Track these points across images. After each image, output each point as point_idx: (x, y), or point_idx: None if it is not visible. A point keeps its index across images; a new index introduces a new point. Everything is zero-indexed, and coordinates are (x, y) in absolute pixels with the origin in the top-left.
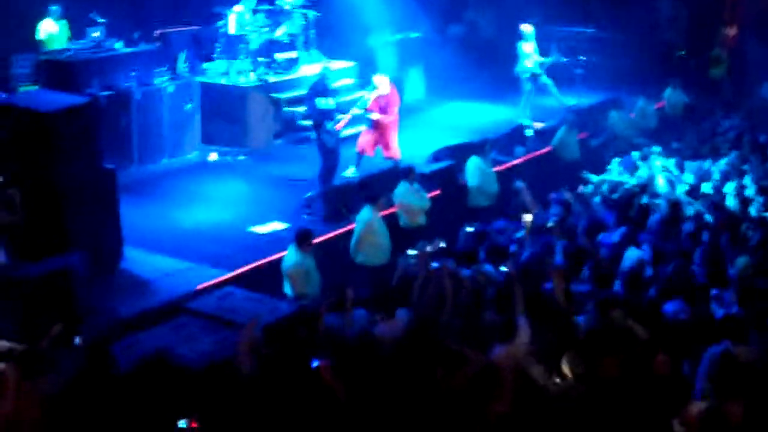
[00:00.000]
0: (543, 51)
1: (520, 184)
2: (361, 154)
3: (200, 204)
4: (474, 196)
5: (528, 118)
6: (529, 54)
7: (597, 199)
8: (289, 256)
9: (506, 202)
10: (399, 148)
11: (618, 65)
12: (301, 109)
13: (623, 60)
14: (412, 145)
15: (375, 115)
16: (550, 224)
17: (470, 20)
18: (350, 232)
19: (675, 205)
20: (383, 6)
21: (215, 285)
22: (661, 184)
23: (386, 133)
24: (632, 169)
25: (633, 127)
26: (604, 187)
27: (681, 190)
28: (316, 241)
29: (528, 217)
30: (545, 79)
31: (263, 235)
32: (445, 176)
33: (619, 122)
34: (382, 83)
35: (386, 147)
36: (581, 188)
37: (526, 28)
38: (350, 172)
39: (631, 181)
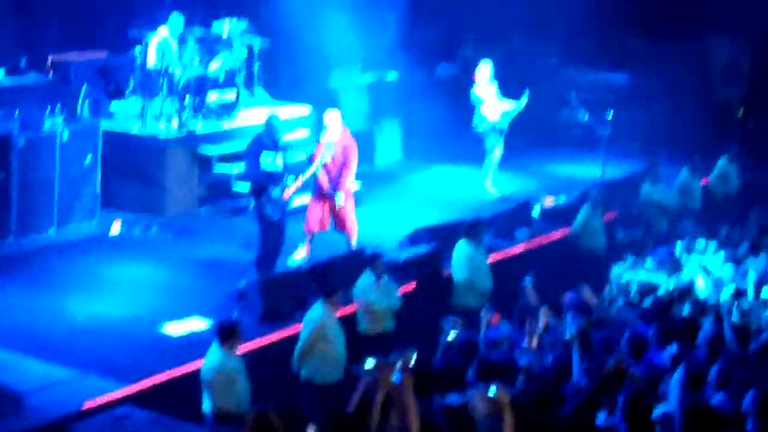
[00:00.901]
0: (559, 101)
1: (526, 281)
2: (311, 233)
3: (96, 292)
4: (461, 293)
5: (492, 186)
6: (485, 100)
7: (620, 302)
8: (210, 357)
9: (504, 302)
10: (357, 223)
11: (656, 125)
12: (238, 168)
13: (663, 118)
14: (381, 223)
15: (323, 179)
16: (567, 336)
17: (465, 59)
18: (295, 337)
19: (719, 318)
20: (351, 36)
21: (109, 403)
22: (701, 287)
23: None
24: (671, 264)
25: (672, 207)
26: (633, 288)
27: (727, 294)
28: (250, 347)
29: (536, 325)
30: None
31: (178, 336)
32: (423, 266)
33: (655, 201)
34: (332, 122)
35: (340, 219)
36: (608, 288)
37: (484, 69)
38: (299, 256)
39: (666, 282)
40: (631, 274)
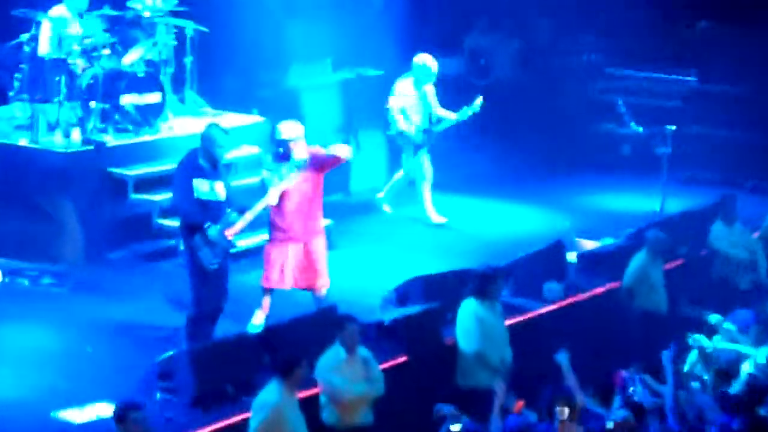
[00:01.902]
0: (600, 110)
1: (560, 354)
2: (270, 288)
3: None
4: (469, 368)
5: (386, 204)
6: (406, 108)
7: (695, 384)
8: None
9: (527, 382)
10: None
11: (734, 142)
12: (163, 197)
13: (744, 133)
14: (359, 272)
15: (289, 216)
16: (609, 425)
17: (474, 50)
18: (239, 430)
19: None
20: (318, 22)
21: None
22: None
23: (308, 239)
24: (759, 331)
25: (754, 254)
26: (709, 364)
27: None
28: None
29: (566, 411)
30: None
31: (79, 425)
32: (416, 331)
33: (729, 245)
34: (295, 137)
35: (308, 269)
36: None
37: (421, 60)
38: (257, 320)
39: (756, 354)
40: (705, 344)
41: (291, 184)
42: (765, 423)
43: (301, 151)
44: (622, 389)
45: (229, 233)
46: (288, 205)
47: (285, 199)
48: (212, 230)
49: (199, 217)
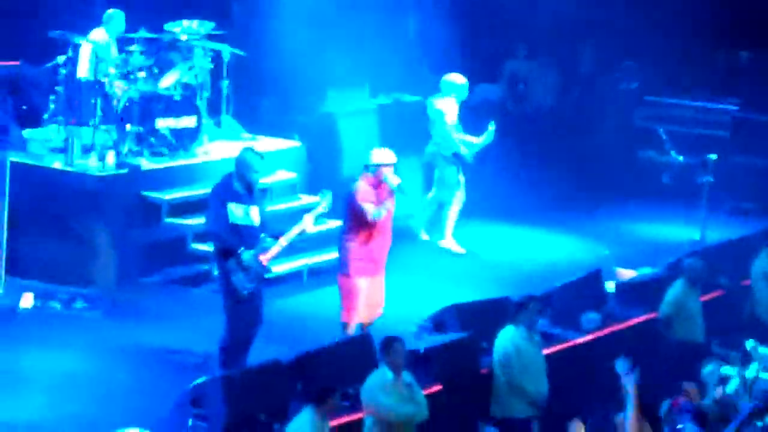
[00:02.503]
0: (641, 138)
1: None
2: (348, 324)
3: None
4: (505, 397)
5: (424, 231)
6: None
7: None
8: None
9: (565, 413)
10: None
11: None
12: (197, 221)
13: None
14: (394, 299)
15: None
16: None
17: (513, 77)
18: None
19: None
20: (357, 48)
21: None
22: None
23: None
24: None
25: None
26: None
27: None
28: None
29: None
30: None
31: None
32: (451, 359)
33: None
34: (385, 159)
35: (377, 301)
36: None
37: (456, 78)
38: None
39: None
40: (747, 373)
41: (384, 212)
42: None
43: (394, 178)
44: (671, 419)
45: (264, 258)
46: (379, 235)
47: (378, 230)
48: (246, 255)
49: (233, 241)
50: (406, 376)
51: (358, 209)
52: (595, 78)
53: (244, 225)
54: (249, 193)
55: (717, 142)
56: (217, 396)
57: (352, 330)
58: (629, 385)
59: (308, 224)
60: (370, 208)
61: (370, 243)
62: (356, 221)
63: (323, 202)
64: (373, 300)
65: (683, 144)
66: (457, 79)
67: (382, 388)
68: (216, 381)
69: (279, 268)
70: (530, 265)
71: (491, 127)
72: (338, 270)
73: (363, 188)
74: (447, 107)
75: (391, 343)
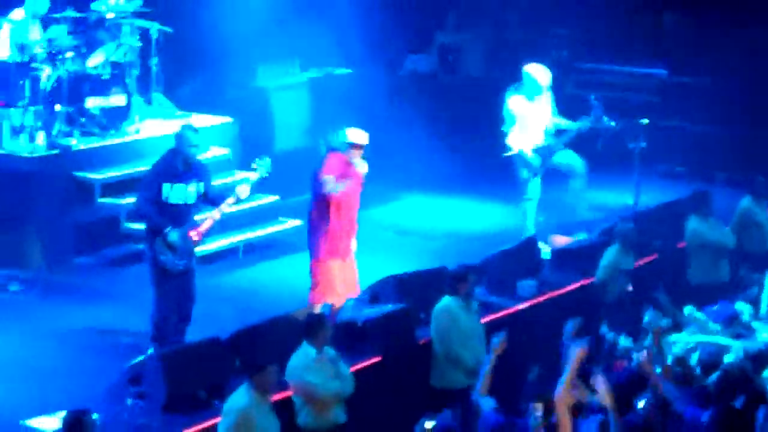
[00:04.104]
0: (574, 106)
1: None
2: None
3: None
4: (444, 367)
5: (531, 227)
6: (522, 117)
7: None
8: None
9: (504, 381)
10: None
11: (707, 135)
12: (130, 201)
13: (717, 126)
14: None
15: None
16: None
17: (445, 47)
18: None
19: None
20: (285, 19)
21: None
22: None
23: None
24: (735, 325)
25: (730, 247)
26: (694, 358)
27: None
28: None
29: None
30: (564, 158)
31: None
32: (389, 332)
33: (707, 239)
34: (359, 140)
35: (352, 281)
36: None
37: (534, 70)
38: None
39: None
40: (683, 338)
41: (341, 191)
42: (738, 415)
43: (362, 163)
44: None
45: (197, 233)
46: (346, 217)
47: (344, 211)
48: (173, 234)
49: (159, 221)
50: (330, 351)
51: (319, 183)
52: (524, 46)
53: (174, 203)
54: (188, 170)
55: (648, 107)
56: (156, 374)
57: (318, 310)
58: (572, 349)
59: (243, 192)
60: (329, 180)
61: (338, 225)
62: (322, 200)
63: (258, 168)
64: (347, 282)
65: (615, 110)
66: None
67: (306, 366)
68: (154, 359)
69: (215, 245)
70: (465, 234)
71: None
72: (310, 254)
73: (329, 163)
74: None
75: (316, 322)
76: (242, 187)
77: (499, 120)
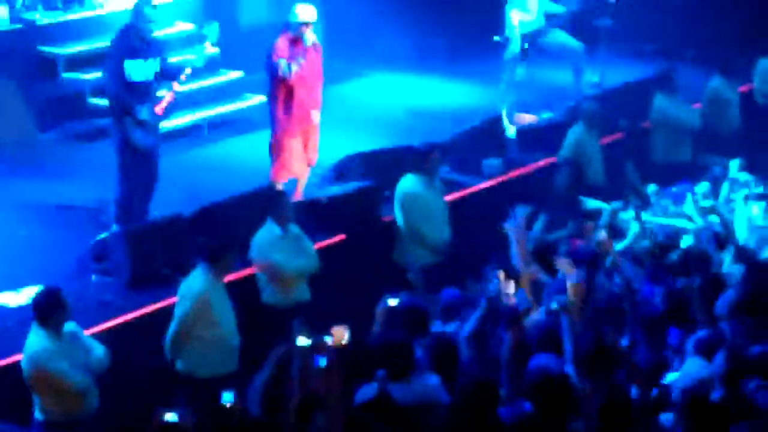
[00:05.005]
0: None
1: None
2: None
3: None
4: (408, 244)
5: (507, 109)
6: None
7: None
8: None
9: (470, 258)
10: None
11: (674, 13)
12: (95, 76)
13: (684, 3)
14: None
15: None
16: (553, 306)
17: None
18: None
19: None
20: None
21: None
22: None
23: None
24: (697, 205)
25: (695, 127)
26: (645, 243)
27: None
28: (112, 323)
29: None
30: (556, 37)
31: (12, 309)
32: (354, 209)
33: (671, 118)
34: (308, 16)
35: (312, 148)
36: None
37: None
38: None
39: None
40: (645, 217)
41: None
42: (682, 295)
43: (312, 35)
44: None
45: (159, 108)
46: (302, 92)
47: (302, 89)
48: (143, 112)
49: (129, 99)
50: (294, 229)
51: (273, 66)
52: None
53: (139, 81)
54: (147, 46)
55: None
56: (120, 251)
57: (280, 187)
58: (511, 231)
59: (196, 60)
60: (282, 63)
61: (294, 101)
62: (277, 82)
63: (207, 34)
64: (302, 157)
65: None
66: None
67: (270, 243)
68: (118, 236)
69: (179, 121)
70: (430, 112)
71: None
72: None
73: (280, 45)
74: None
75: (279, 198)
76: (193, 56)
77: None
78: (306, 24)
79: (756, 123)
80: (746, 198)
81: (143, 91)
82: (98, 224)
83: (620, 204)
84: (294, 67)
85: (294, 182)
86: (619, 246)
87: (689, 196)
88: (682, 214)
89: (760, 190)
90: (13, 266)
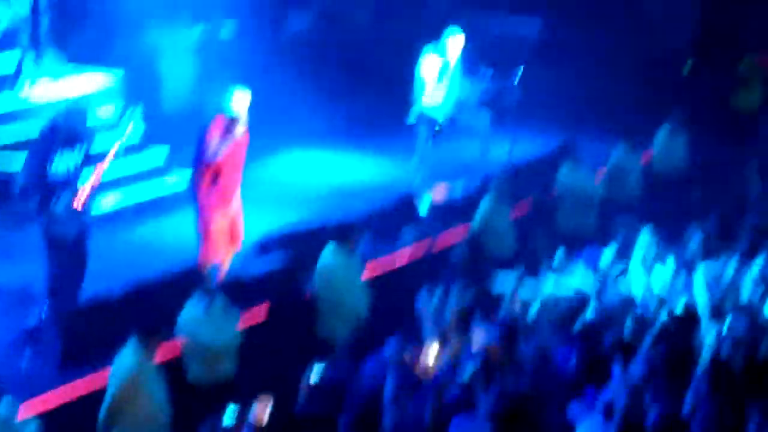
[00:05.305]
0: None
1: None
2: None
3: None
4: (328, 317)
5: (421, 183)
6: (432, 80)
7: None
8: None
9: (387, 329)
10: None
11: (580, 86)
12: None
13: (589, 77)
14: None
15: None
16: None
17: (324, 6)
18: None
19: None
20: None
21: None
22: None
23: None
24: (602, 270)
25: (599, 195)
26: (555, 306)
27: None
28: (44, 404)
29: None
30: (467, 115)
31: None
32: (275, 284)
33: (576, 186)
34: (243, 104)
35: (236, 236)
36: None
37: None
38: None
39: (597, 293)
40: (549, 284)
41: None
42: (602, 359)
43: (244, 121)
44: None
45: (82, 196)
46: (228, 171)
47: (227, 171)
48: (60, 205)
49: (51, 193)
50: (218, 304)
51: (202, 147)
52: (406, 4)
53: (63, 173)
54: (73, 136)
55: (522, 60)
56: (52, 331)
57: (207, 269)
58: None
59: (121, 143)
60: (211, 145)
61: (222, 184)
62: (205, 162)
63: (129, 118)
64: (233, 237)
65: (489, 62)
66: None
67: (196, 319)
68: (50, 317)
69: (106, 203)
70: (348, 187)
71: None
72: (195, 212)
73: (212, 127)
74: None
75: (199, 277)
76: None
77: (383, 74)
78: (237, 109)
79: (656, 189)
80: (645, 261)
81: (64, 183)
82: (24, 307)
83: (529, 270)
84: (222, 149)
85: (219, 261)
86: (532, 311)
87: (596, 259)
88: (589, 278)
89: (661, 253)
90: None
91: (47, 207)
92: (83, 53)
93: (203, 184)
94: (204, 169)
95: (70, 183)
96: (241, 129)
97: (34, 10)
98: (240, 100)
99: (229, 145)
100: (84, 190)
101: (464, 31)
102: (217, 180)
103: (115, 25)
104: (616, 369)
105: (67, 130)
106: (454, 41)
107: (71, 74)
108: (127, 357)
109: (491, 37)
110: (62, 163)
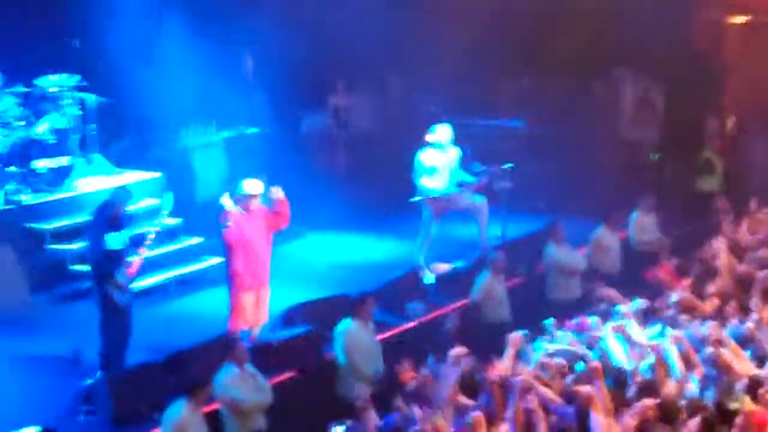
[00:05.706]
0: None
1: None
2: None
3: None
4: (348, 379)
5: (425, 259)
6: (432, 169)
7: None
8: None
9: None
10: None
11: (562, 174)
12: (76, 246)
13: (568, 166)
14: None
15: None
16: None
17: (337, 108)
18: None
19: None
20: (203, 91)
21: None
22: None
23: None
24: (588, 336)
25: (580, 268)
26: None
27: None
28: None
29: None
30: (465, 198)
31: None
32: (300, 350)
33: (561, 262)
34: (253, 189)
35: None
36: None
37: (440, 133)
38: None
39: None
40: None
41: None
42: None
43: (256, 204)
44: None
45: (130, 272)
46: (253, 253)
47: (246, 247)
48: (120, 276)
49: (109, 266)
50: (250, 368)
51: (221, 225)
52: (406, 104)
53: (117, 249)
54: (120, 220)
55: (510, 154)
56: (104, 393)
57: (237, 334)
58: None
59: (157, 227)
60: (224, 220)
61: (247, 260)
62: (225, 240)
63: (164, 204)
64: (256, 310)
65: (483, 157)
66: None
67: (230, 382)
68: (102, 381)
69: (150, 281)
70: (361, 265)
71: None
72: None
73: (228, 209)
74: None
75: (231, 344)
76: (153, 227)
77: (388, 167)
78: (251, 196)
79: (632, 264)
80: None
81: (119, 257)
82: (80, 371)
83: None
84: (228, 222)
85: (248, 330)
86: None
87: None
88: (579, 344)
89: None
90: (12, 410)
91: (109, 276)
92: (125, 157)
93: (233, 263)
94: (231, 249)
95: (122, 258)
96: (255, 203)
97: (83, 118)
98: (251, 188)
99: (234, 219)
100: (133, 266)
101: (460, 130)
102: (238, 257)
103: (152, 134)
104: None
105: (113, 213)
106: (446, 135)
107: (116, 174)
108: (174, 411)
109: (485, 136)
110: (114, 241)
